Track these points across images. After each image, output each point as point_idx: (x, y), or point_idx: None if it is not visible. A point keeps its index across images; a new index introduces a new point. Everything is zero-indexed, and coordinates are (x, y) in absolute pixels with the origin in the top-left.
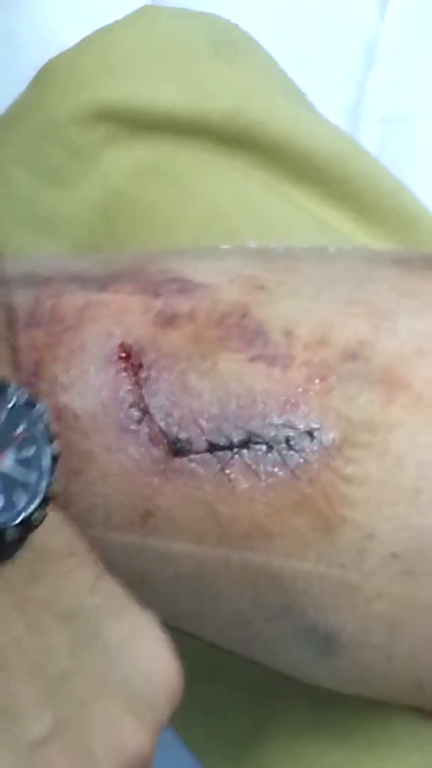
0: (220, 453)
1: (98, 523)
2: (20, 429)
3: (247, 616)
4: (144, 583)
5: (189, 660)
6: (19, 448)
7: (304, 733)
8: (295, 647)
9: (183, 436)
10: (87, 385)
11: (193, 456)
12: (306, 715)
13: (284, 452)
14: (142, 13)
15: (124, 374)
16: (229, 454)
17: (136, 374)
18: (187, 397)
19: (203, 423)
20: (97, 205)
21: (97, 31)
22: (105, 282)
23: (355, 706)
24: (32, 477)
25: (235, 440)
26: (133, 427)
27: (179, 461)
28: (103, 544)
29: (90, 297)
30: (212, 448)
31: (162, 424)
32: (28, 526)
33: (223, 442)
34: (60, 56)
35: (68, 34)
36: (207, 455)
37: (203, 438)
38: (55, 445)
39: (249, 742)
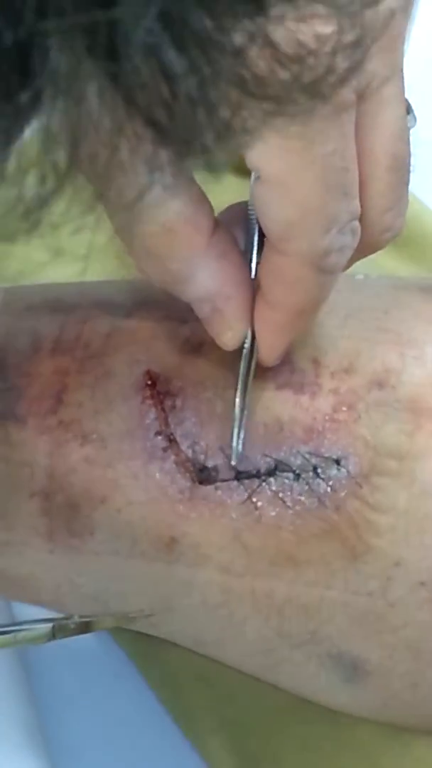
0: (247, 481)
1: (123, 550)
2: None
3: (272, 643)
4: (169, 610)
5: (205, 671)
6: None
7: (324, 755)
8: (320, 674)
9: (210, 464)
10: (113, 413)
11: (219, 484)
12: (326, 737)
13: (311, 480)
14: None
15: (150, 402)
16: (256, 482)
17: (162, 402)
18: (214, 426)
19: (229, 452)
20: None
21: None
22: (131, 309)
23: (377, 730)
24: None
25: (263, 468)
26: (159, 454)
27: (205, 489)
28: (127, 571)
29: (116, 324)
30: (239, 476)
31: (189, 452)
32: None
33: (250, 470)
34: None
35: None
36: (234, 483)
37: (230, 466)
38: None
39: (264, 757)
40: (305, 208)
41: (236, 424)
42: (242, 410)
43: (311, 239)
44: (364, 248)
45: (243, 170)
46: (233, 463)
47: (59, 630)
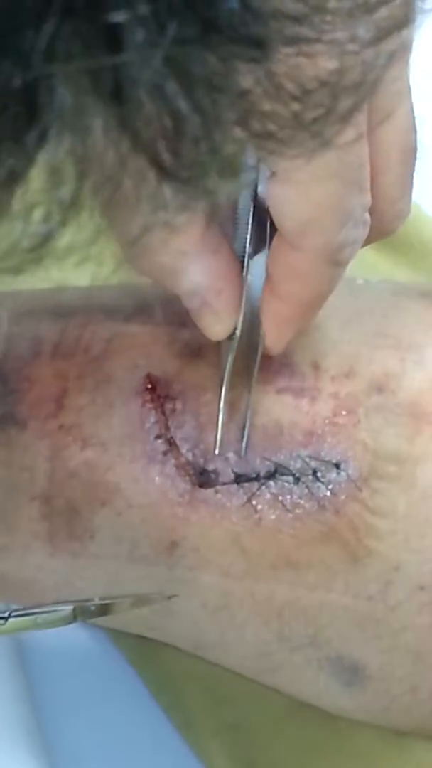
0: (246, 484)
1: (124, 553)
2: None
3: (271, 646)
4: (169, 613)
5: (204, 674)
6: None
7: (323, 759)
8: (319, 678)
9: (210, 467)
10: (113, 417)
11: (219, 487)
12: (325, 741)
13: (311, 484)
14: None
15: (150, 406)
16: (255, 485)
17: (162, 406)
18: (214, 430)
19: (230, 455)
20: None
21: None
22: (130, 313)
23: (377, 734)
24: None
25: (262, 472)
26: (159, 458)
27: (205, 492)
28: (128, 574)
29: (116, 328)
30: (239, 479)
31: (189, 455)
32: None
33: (250, 473)
34: None
35: None
36: (233, 486)
37: (230, 470)
38: None
39: (263, 761)
40: (323, 205)
41: (221, 409)
42: (225, 401)
43: (328, 234)
44: (375, 236)
45: None
46: (216, 452)
47: (80, 613)
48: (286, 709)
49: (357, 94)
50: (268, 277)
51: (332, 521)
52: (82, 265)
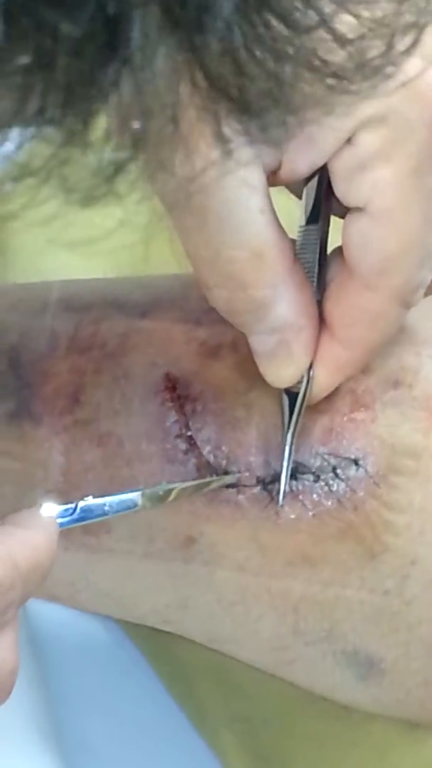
0: (268, 486)
1: (139, 548)
2: None
3: (287, 640)
4: (185, 607)
5: (217, 666)
6: None
7: (336, 750)
8: (335, 671)
9: (231, 469)
10: (131, 414)
11: (241, 488)
12: (338, 733)
13: (330, 481)
14: None
15: (171, 405)
16: (277, 485)
17: (183, 406)
18: (234, 431)
19: (251, 458)
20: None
21: None
22: (146, 309)
23: (390, 726)
24: None
25: None
26: (179, 457)
27: (228, 492)
28: (143, 569)
29: (131, 324)
30: (259, 480)
31: (210, 457)
32: None
33: (270, 474)
34: None
35: None
36: (256, 489)
37: (252, 471)
38: None
39: (277, 752)
40: (408, 242)
41: (285, 467)
42: (290, 454)
43: (408, 274)
44: None
45: None
46: (280, 505)
47: (148, 498)
48: (299, 701)
49: (413, 35)
50: (327, 322)
51: (350, 518)
52: (142, 203)
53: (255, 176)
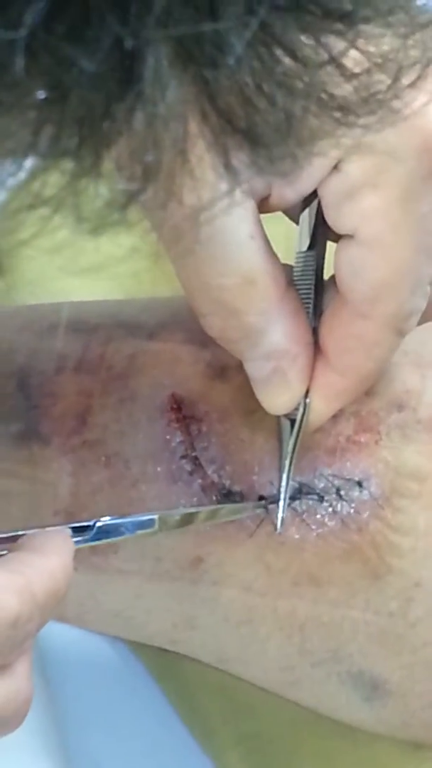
0: (271, 506)
1: (147, 568)
2: None
3: (293, 660)
4: (192, 627)
5: (223, 685)
6: None
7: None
8: (340, 692)
9: (236, 488)
10: (138, 435)
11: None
12: (344, 752)
13: (335, 502)
14: None
15: (176, 425)
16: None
17: (188, 426)
18: (240, 452)
19: (255, 478)
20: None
21: None
22: (152, 330)
23: (395, 746)
24: None
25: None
26: (185, 477)
27: None
28: (151, 589)
29: (139, 345)
30: (264, 500)
31: (215, 477)
32: None
33: (275, 494)
34: None
35: None
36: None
37: (256, 491)
38: None
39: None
40: (398, 269)
41: (283, 493)
42: (288, 481)
43: (400, 301)
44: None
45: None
46: (278, 532)
47: (164, 523)
48: (305, 720)
49: (418, 69)
50: (322, 350)
51: (355, 539)
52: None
53: (245, 203)
